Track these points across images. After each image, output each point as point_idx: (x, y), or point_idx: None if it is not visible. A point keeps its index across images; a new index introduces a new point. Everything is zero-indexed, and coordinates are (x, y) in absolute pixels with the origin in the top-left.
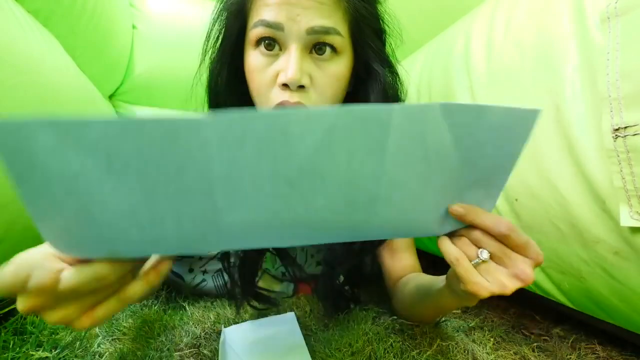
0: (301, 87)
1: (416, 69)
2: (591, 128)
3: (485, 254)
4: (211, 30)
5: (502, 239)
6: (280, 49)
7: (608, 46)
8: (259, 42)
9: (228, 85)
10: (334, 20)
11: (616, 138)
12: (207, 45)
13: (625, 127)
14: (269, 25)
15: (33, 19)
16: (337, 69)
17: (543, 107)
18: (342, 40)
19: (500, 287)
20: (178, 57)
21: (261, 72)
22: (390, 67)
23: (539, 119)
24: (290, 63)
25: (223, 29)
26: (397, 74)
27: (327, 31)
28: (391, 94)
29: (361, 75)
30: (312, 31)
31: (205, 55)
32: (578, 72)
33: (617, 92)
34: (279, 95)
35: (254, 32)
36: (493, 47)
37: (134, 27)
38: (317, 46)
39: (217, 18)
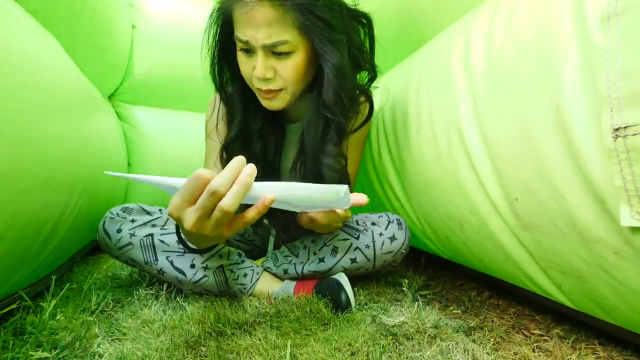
0: (268, 78)
1: (416, 69)
2: (591, 128)
3: None
4: (208, 33)
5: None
6: (254, 52)
7: (608, 46)
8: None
9: (225, 70)
10: (281, 33)
11: (616, 138)
12: (208, 44)
13: (626, 127)
14: (240, 41)
15: (33, 19)
16: (293, 62)
17: (543, 106)
18: (291, 44)
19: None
20: (177, 57)
21: (245, 65)
22: (338, 52)
23: None
24: (257, 64)
25: (218, 31)
26: (345, 58)
27: (274, 44)
28: (341, 71)
29: (320, 59)
30: (264, 46)
31: (208, 52)
32: (578, 72)
33: (617, 91)
34: (257, 82)
35: (236, 41)
36: (493, 47)
37: (133, 26)
38: (273, 50)
39: (212, 24)
